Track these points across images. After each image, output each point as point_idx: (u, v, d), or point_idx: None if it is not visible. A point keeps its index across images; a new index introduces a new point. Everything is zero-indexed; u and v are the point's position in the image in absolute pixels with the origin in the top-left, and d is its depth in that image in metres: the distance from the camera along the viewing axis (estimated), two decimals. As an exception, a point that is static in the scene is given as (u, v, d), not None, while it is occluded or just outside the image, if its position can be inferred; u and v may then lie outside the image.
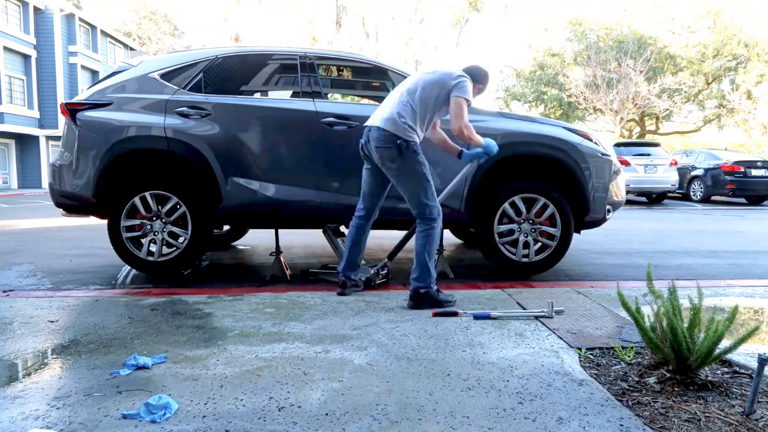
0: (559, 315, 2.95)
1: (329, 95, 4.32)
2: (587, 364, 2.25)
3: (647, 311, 2.19)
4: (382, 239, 6.27)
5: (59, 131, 26.92)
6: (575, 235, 4.19)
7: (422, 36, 25.02)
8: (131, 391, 1.96)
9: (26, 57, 26.59)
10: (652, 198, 13.58)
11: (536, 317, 2.91)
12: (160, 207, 3.91)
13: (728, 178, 13.07)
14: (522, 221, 4.00)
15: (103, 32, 31.60)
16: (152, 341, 2.52)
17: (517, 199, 3.98)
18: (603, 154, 4.13)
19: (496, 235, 4.00)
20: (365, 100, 4.58)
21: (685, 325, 2.02)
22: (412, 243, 3.48)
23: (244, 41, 21.93)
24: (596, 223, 4.20)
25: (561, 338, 2.57)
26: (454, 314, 2.95)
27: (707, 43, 26.79)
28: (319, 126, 3.89)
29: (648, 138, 28.56)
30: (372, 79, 5.07)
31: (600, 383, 2.05)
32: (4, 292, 3.63)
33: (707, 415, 1.78)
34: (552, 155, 3.99)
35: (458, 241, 6.22)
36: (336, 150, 3.91)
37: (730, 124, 28.95)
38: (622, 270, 4.63)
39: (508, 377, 2.11)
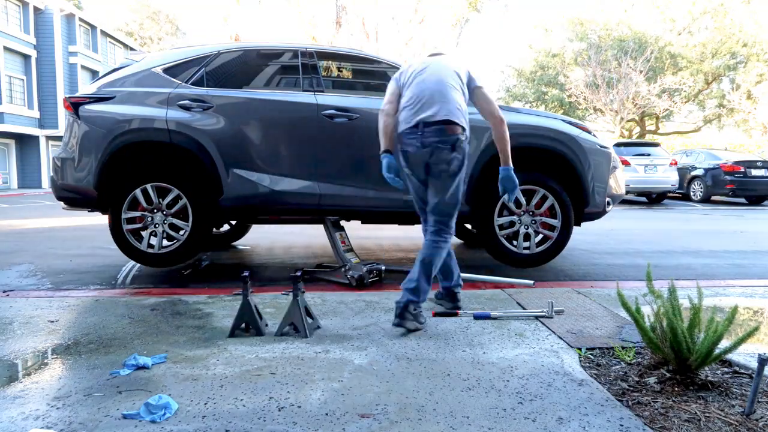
0: (559, 315, 2.95)
1: (330, 87, 4.34)
2: (587, 364, 2.25)
3: (647, 311, 2.19)
4: (381, 239, 6.28)
5: (59, 131, 26.93)
6: (575, 236, 4.21)
7: (422, 36, 25.01)
8: (131, 391, 1.96)
9: (26, 57, 26.60)
10: (652, 198, 13.58)
11: (536, 317, 2.91)
12: (161, 199, 3.93)
13: (728, 178, 13.07)
14: (522, 213, 4.03)
15: (103, 32, 31.61)
16: (152, 341, 2.52)
17: (516, 190, 3.99)
18: (602, 147, 4.16)
19: (496, 228, 4.03)
20: (367, 93, 4.61)
21: (685, 325, 2.02)
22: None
23: (245, 41, 21.97)
24: (596, 215, 4.22)
25: (561, 338, 2.57)
26: (454, 314, 2.95)
27: (707, 43, 26.79)
28: (320, 118, 3.91)
29: (648, 138, 28.56)
30: (373, 73, 5.09)
31: (600, 383, 2.05)
32: (4, 292, 3.63)
33: (707, 415, 1.78)
34: (551, 147, 4.02)
35: (458, 241, 6.23)
36: (337, 142, 3.92)
37: (730, 124, 28.96)
38: (622, 270, 4.63)
39: (508, 377, 2.11)
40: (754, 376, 1.86)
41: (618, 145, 13.35)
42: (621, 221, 8.54)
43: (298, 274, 2.64)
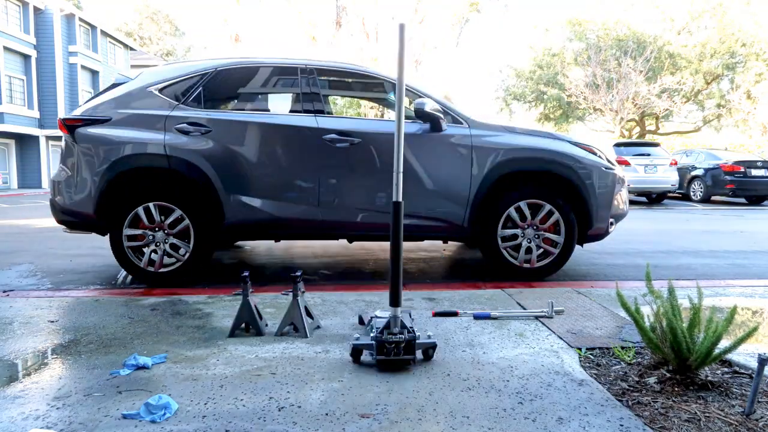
0: (559, 315, 2.95)
1: (332, 102, 4.22)
2: (587, 364, 2.25)
3: (647, 311, 2.19)
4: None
5: (59, 131, 26.89)
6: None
7: (422, 36, 25.05)
8: (131, 391, 1.96)
9: (26, 57, 26.59)
10: (652, 198, 13.58)
11: (536, 317, 2.91)
12: (163, 218, 3.86)
13: (728, 178, 13.08)
14: (526, 226, 4.00)
15: (103, 32, 31.60)
16: (152, 341, 2.52)
17: (522, 204, 3.98)
18: (607, 168, 4.12)
19: (499, 239, 4.00)
20: (369, 115, 4.52)
21: (685, 325, 2.02)
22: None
23: (244, 41, 21.95)
24: (599, 236, 4.20)
25: (561, 338, 2.57)
26: (454, 314, 2.95)
27: (706, 42, 26.80)
28: (322, 143, 3.87)
29: (648, 138, 28.57)
30: (377, 91, 5.01)
31: (600, 383, 2.05)
32: (4, 292, 3.63)
33: (707, 415, 1.78)
34: (556, 171, 3.98)
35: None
36: (339, 167, 3.89)
37: (729, 124, 28.96)
38: (622, 270, 4.63)
39: (508, 377, 2.11)
40: (754, 376, 1.86)
41: (618, 145, 13.35)
42: (621, 221, 8.54)
43: (298, 274, 2.64)
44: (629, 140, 19.53)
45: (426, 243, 5.78)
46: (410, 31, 24.27)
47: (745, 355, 2.29)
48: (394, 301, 2.26)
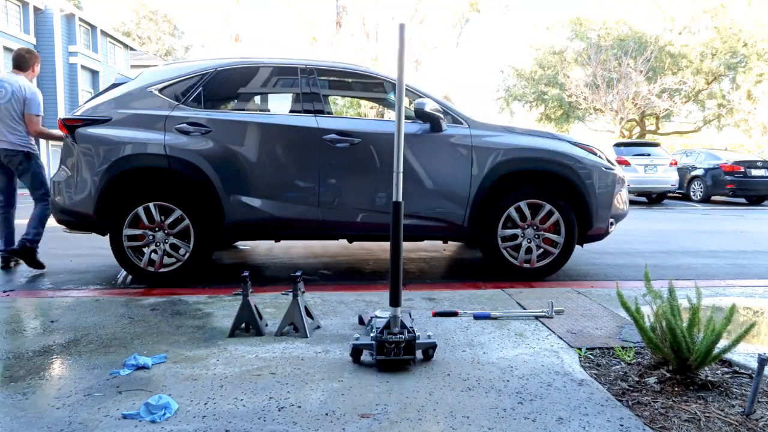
0: (559, 315, 2.95)
1: (332, 102, 4.22)
2: (587, 364, 2.25)
3: (647, 311, 2.19)
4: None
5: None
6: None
7: (422, 36, 25.06)
8: (131, 391, 1.96)
9: (26, 57, 26.57)
10: (652, 198, 13.57)
11: (536, 317, 2.91)
12: (163, 218, 3.86)
13: (728, 178, 13.07)
14: (526, 226, 4.00)
15: (103, 32, 31.60)
16: (152, 341, 2.52)
17: (522, 204, 3.98)
18: (607, 168, 4.12)
19: (498, 239, 4.00)
20: (369, 115, 4.51)
21: (685, 325, 2.02)
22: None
23: (244, 41, 21.95)
24: (599, 236, 4.20)
25: (561, 338, 2.57)
26: (454, 314, 2.95)
27: (707, 42, 26.79)
28: (322, 143, 3.87)
29: (648, 138, 28.54)
30: (377, 91, 5.00)
31: (600, 383, 2.05)
32: (4, 291, 3.63)
33: (707, 415, 1.78)
34: (556, 171, 3.98)
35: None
36: (339, 167, 3.88)
37: (730, 124, 28.94)
38: (622, 270, 4.64)
39: (508, 377, 2.11)
40: (754, 376, 1.86)
41: (618, 145, 13.34)
42: (621, 221, 8.53)
43: (298, 274, 2.64)
44: (629, 140, 19.54)
45: (426, 243, 5.78)
46: (410, 31, 24.26)
47: (745, 355, 2.29)
48: (394, 301, 2.26)
